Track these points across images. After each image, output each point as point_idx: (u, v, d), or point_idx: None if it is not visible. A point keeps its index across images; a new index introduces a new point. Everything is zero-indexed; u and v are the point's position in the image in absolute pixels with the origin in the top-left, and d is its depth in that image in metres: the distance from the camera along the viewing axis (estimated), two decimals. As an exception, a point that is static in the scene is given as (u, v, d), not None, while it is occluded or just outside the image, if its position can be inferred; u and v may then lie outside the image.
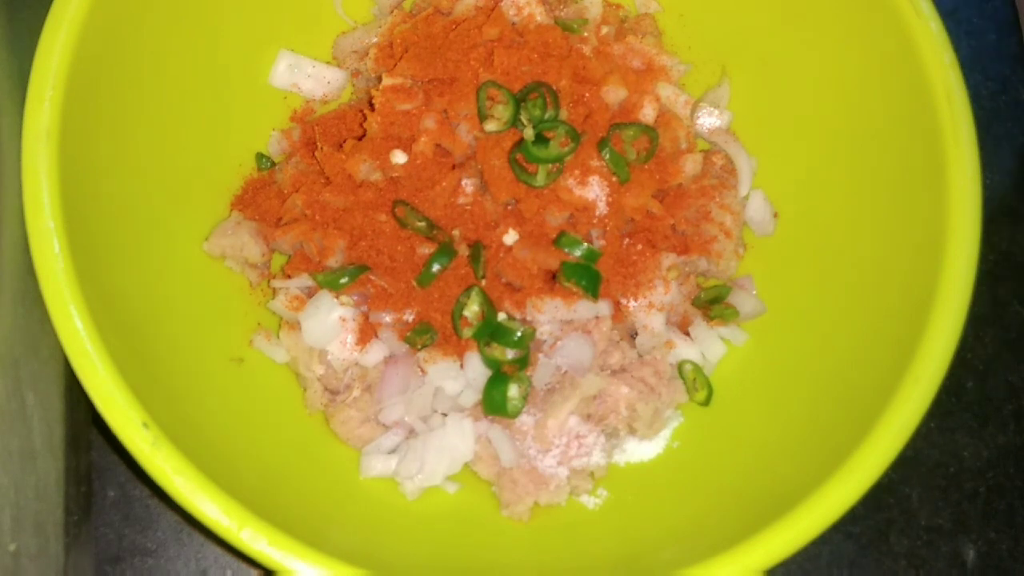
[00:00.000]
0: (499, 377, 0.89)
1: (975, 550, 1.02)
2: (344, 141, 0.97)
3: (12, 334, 0.77)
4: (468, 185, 0.93)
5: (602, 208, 0.92)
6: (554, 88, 0.92)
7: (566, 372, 0.92)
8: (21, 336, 0.78)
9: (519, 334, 0.89)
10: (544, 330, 0.91)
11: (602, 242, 0.92)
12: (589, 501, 0.92)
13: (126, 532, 0.96)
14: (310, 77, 1.03)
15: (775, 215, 1.01)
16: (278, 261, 0.99)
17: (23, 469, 0.77)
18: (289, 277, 0.95)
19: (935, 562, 1.01)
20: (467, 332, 0.90)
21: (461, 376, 0.91)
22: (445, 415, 0.92)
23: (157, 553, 0.96)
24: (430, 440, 0.90)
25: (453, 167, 0.93)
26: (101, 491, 0.96)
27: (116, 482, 0.97)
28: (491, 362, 0.89)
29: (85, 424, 0.93)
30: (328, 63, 1.05)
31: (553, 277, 0.91)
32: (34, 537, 0.79)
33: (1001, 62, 1.18)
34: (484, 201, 0.93)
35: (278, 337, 0.95)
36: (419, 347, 0.91)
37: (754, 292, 0.99)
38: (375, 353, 0.92)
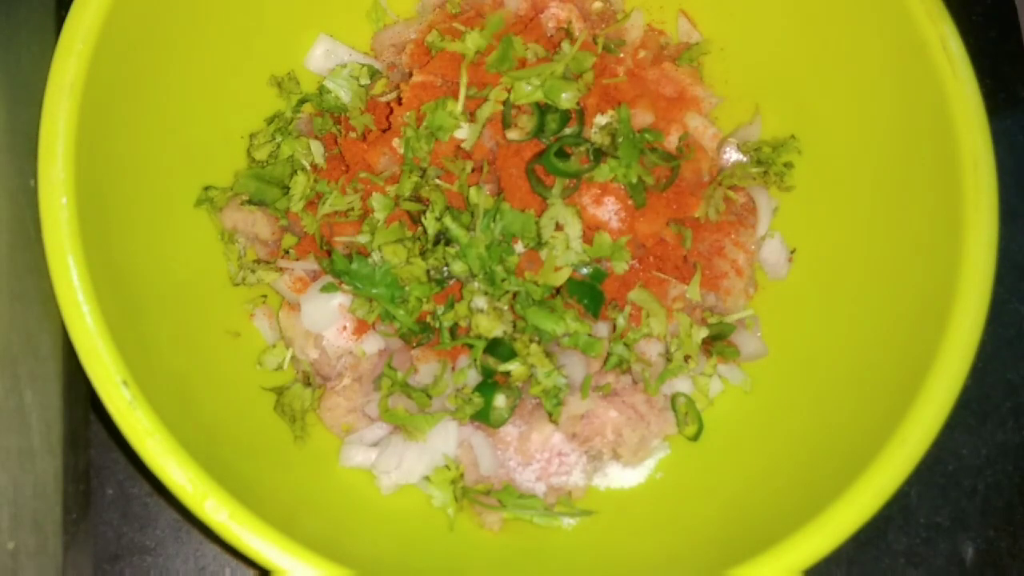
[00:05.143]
0: (488, 385, 0.89)
1: (974, 547, 1.02)
2: (368, 131, 0.97)
3: (10, 332, 0.77)
4: (484, 190, 0.92)
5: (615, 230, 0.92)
6: (581, 104, 0.92)
7: (556, 388, 0.91)
8: (19, 334, 0.79)
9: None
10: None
11: (610, 263, 0.92)
12: (563, 520, 0.92)
13: (125, 530, 0.96)
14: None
15: (790, 260, 1.00)
16: (288, 241, 0.99)
17: (21, 467, 0.78)
18: (297, 259, 0.95)
19: (934, 560, 1.01)
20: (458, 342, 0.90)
21: (452, 377, 0.90)
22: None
23: (156, 551, 0.96)
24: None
25: (472, 170, 0.94)
26: (100, 489, 0.96)
27: (115, 480, 0.97)
28: (484, 369, 0.89)
29: (83, 422, 0.94)
30: (366, 54, 1.06)
31: (557, 292, 0.91)
32: (33, 535, 0.79)
33: (1000, 60, 1.18)
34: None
35: (278, 316, 0.95)
36: (414, 344, 0.91)
37: (758, 334, 0.98)
38: (370, 344, 0.92)
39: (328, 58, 1.03)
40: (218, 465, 0.74)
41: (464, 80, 0.91)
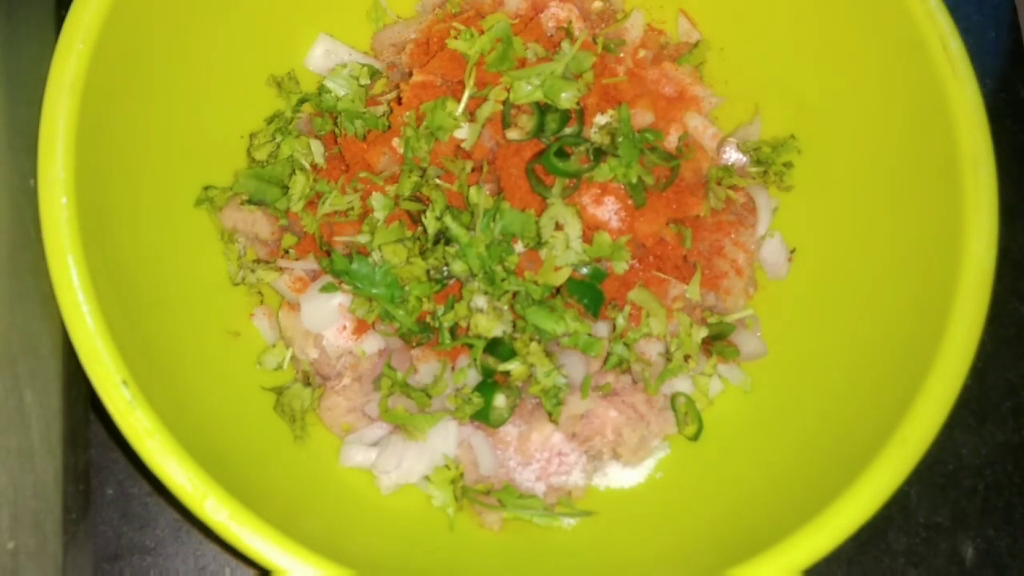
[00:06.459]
0: (488, 384, 0.89)
1: (973, 547, 1.02)
2: (368, 131, 0.97)
3: (9, 331, 0.77)
4: (484, 189, 0.93)
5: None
6: (580, 104, 0.92)
7: (556, 388, 0.91)
8: (19, 333, 0.79)
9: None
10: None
11: (609, 263, 0.92)
12: (563, 520, 0.92)
13: (124, 530, 0.96)
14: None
15: (790, 259, 1.00)
16: (288, 241, 0.99)
17: (21, 467, 0.78)
18: (297, 258, 0.95)
19: (934, 559, 1.01)
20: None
21: (451, 377, 0.90)
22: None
23: (155, 551, 0.96)
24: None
25: (472, 170, 0.94)
26: (99, 489, 0.96)
27: (114, 480, 0.97)
28: (483, 369, 0.89)
29: (83, 422, 0.94)
30: (366, 53, 1.06)
31: (557, 292, 0.91)
32: (32, 535, 0.79)
33: (1000, 59, 1.18)
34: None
35: (278, 316, 0.95)
36: (414, 344, 0.91)
37: (758, 333, 0.98)
38: (370, 344, 0.92)
39: (328, 58, 1.03)
40: (218, 465, 0.74)
41: (470, 83, 0.91)
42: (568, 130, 0.91)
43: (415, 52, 1.00)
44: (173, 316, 0.85)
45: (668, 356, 0.94)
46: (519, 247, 0.89)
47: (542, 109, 0.91)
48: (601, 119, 0.93)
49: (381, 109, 0.99)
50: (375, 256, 0.89)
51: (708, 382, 0.96)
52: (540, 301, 0.88)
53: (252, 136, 0.98)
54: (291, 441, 0.90)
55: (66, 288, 0.72)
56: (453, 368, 0.91)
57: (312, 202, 0.95)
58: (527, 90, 0.90)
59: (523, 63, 0.93)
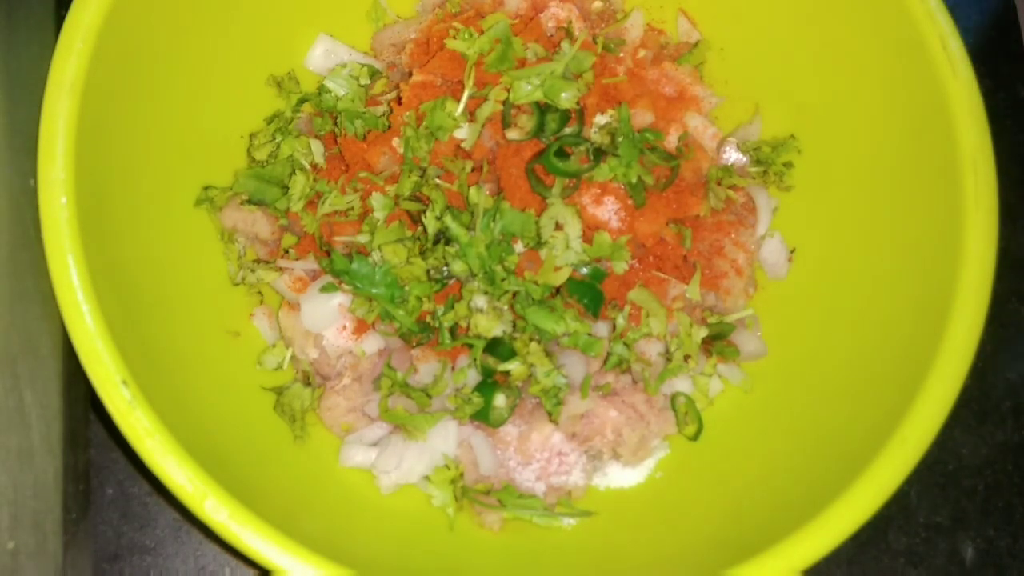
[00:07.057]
0: (488, 384, 0.89)
1: (974, 547, 1.02)
2: (368, 131, 0.97)
3: (9, 331, 0.77)
4: (484, 189, 0.93)
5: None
6: (580, 104, 0.92)
7: (556, 388, 0.91)
8: (18, 333, 0.78)
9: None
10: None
11: (609, 263, 0.92)
12: (563, 520, 0.92)
13: (124, 530, 0.96)
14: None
15: (790, 259, 1.00)
16: (288, 241, 0.99)
17: (21, 467, 0.78)
18: (297, 258, 0.95)
19: (934, 559, 1.01)
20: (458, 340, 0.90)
21: (451, 377, 0.90)
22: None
23: (155, 551, 0.96)
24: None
25: (472, 170, 0.94)
26: (99, 489, 0.96)
27: (114, 480, 0.97)
28: (483, 369, 0.89)
29: (83, 421, 0.94)
30: (366, 53, 1.06)
31: (557, 292, 0.91)
32: (32, 535, 0.79)
33: (1000, 59, 1.18)
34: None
35: (278, 316, 0.95)
36: (414, 344, 0.91)
37: (758, 333, 0.98)
38: (370, 344, 0.92)
39: (328, 58, 1.03)
40: (218, 465, 0.74)
41: (470, 83, 0.91)
42: (568, 130, 0.92)
43: (415, 52, 1.00)
44: (173, 316, 0.85)
45: (668, 356, 0.94)
46: (519, 247, 0.90)
47: (542, 109, 0.91)
48: (601, 119, 0.93)
49: (381, 109, 0.99)
50: (375, 256, 0.89)
51: (708, 382, 0.96)
52: (540, 301, 0.88)
53: (252, 136, 0.98)
54: (291, 441, 0.90)
55: (66, 288, 0.72)
56: (453, 368, 0.91)
57: (312, 202, 0.95)
58: (527, 90, 0.90)
59: (523, 63, 0.93)
